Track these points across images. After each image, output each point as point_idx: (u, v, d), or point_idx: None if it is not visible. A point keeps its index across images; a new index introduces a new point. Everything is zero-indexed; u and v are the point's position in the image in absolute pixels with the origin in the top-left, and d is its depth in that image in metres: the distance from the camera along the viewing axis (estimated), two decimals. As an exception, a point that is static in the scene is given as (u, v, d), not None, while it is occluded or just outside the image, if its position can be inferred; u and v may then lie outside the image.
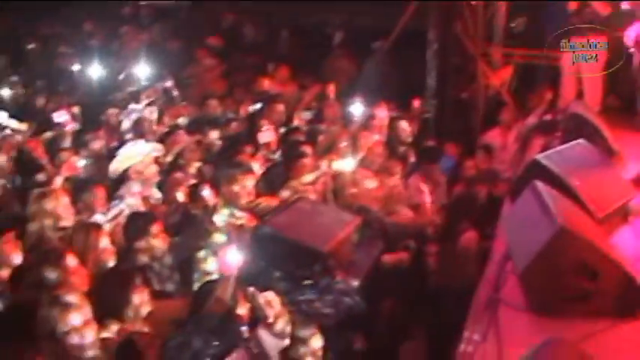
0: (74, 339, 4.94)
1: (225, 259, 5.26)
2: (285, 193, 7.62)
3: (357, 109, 10.70)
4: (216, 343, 4.55)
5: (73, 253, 5.88)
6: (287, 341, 4.95)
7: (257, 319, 4.90)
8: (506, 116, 11.70)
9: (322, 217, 6.59)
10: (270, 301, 4.95)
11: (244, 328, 4.88)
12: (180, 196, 7.29)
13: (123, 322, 5.40)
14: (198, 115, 11.01)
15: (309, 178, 7.84)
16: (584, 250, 5.33)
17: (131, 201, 7.61)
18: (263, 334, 4.81)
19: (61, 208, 6.69)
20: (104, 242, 6.19)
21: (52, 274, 5.37)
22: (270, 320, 4.88)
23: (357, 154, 8.80)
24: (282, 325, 4.96)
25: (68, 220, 6.69)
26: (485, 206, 8.93)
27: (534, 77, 13.12)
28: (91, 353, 4.99)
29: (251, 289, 4.97)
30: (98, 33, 16.98)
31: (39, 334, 4.88)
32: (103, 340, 5.18)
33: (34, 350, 4.57)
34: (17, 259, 5.90)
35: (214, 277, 6.04)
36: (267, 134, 9.38)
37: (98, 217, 6.94)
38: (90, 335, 5.01)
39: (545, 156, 7.15)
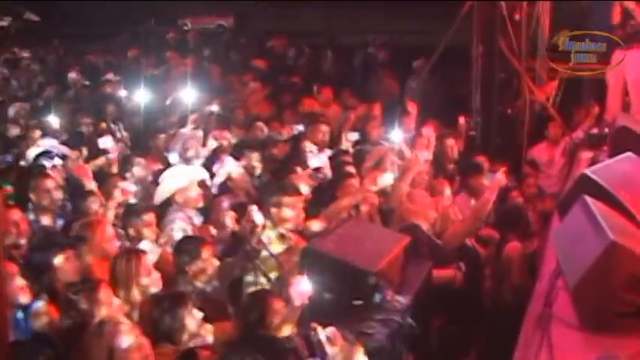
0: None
1: (297, 288, 5.30)
2: (329, 215, 7.60)
3: (403, 128, 10.71)
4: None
5: (114, 282, 6.00)
6: None
7: (316, 354, 4.89)
8: (552, 131, 11.64)
9: (371, 237, 6.62)
10: (332, 338, 4.92)
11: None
12: (229, 219, 7.31)
13: (178, 345, 5.43)
14: (245, 137, 11.05)
15: (346, 202, 7.82)
16: (637, 265, 5.29)
17: (180, 225, 7.67)
18: None
19: (105, 240, 6.73)
20: (147, 268, 6.20)
21: (84, 305, 5.44)
22: (331, 358, 4.86)
23: (404, 173, 8.77)
24: None
25: (112, 250, 6.73)
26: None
27: (580, 91, 13.05)
28: None
29: (314, 324, 4.97)
30: (143, 59, 17.19)
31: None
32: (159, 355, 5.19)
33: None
34: (75, 277, 5.98)
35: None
36: (318, 159, 9.39)
37: (145, 244, 6.99)
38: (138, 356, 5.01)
39: (593, 170, 7.12)
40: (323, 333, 4.89)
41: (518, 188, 9.75)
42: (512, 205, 9.06)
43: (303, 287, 5.42)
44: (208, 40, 18.96)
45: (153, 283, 6.13)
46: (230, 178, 8.70)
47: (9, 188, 6.98)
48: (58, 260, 5.95)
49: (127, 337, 4.97)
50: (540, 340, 5.49)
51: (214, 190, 8.81)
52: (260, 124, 11.48)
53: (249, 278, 6.51)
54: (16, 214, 6.93)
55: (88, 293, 5.48)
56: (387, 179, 8.09)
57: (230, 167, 8.77)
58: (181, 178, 8.04)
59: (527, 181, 10.27)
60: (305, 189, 7.77)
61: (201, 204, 8.12)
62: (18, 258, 6.24)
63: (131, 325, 5.21)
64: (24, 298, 5.61)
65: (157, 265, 6.46)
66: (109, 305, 5.49)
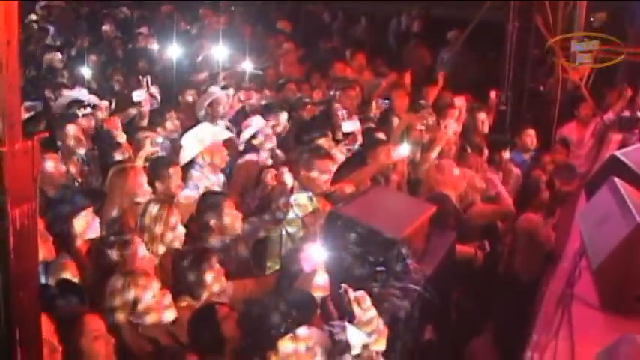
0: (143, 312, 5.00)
1: (308, 254, 5.33)
2: (357, 180, 7.61)
3: (433, 98, 10.70)
4: (295, 314, 4.57)
5: (142, 230, 6.05)
6: (373, 337, 4.93)
7: (345, 315, 4.92)
8: (583, 111, 11.59)
9: (397, 205, 6.63)
10: (360, 299, 4.95)
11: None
12: (269, 176, 7.33)
13: (197, 300, 5.48)
14: (275, 98, 11.06)
15: (374, 168, 7.81)
16: (663, 248, 5.28)
17: (203, 180, 7.72)
18: (350, 326, 4.83)
19: (137, 186, 6.77)
20: (175, 220, 6.24)
21: (116, 258, 5.50)
22: (358, 320, 4.88)
23: (432, 144, 8.77)
24: (371, 324, 4.96)
25: (144, 198, 6.77)
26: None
27: (614, 73, 12.96)
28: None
29: (344, 286, 4.98)
30: (176, 15, 17.17)
31: (107, 307, 4.98)
32: (179, 309, 5.24)
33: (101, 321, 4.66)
34: (95, 233, 6.00)
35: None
36: (350, 124, 9.36)
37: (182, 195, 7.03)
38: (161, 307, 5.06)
39: (623, 152, 7.09)
40: (353, 294, 4.92)
41: (541, 166, 9.72)
42: (531, 181, 9.05)
43: (313, 254, 5.44)
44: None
45: (177, 237, 6.17)
46: (256, 137, 8.69)
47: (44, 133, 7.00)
48: (78, 218, 5.95)
49: (150, 290, 5.02)
50: (560, 318, 5.50)
51: (240, 148, 8.82)
52: (291, 85, 11.49)
53: (274, 240, 6.54)
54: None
55: (121, 246, 5.54)
56: (402, 152, 8.09)
57: (257, 127, 8.75)
58: (205, 138, 8.04)
59: (550, 159, 10.23)
60: (335, 153, 7.78)
61: (224, 165, 8.16)
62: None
63: (155, 278, 5.26)
64: (45, 253, 5.64)
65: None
66: (141, 260, 5.54)
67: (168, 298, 5.11)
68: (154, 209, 6.17)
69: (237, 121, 9.56)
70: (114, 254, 5.49)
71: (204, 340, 4.87)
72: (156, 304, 5.01)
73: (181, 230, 6.22)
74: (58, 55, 13.33)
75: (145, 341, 4.93)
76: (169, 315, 5.06)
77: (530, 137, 10.36)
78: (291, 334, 4.48)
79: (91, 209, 6.05)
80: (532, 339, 5.72)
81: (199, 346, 4.86)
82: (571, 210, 8.16)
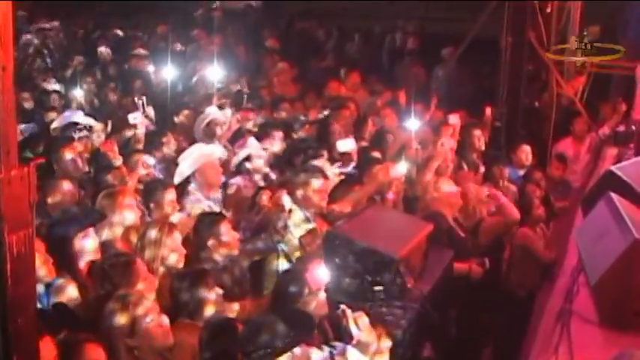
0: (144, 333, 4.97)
1: (314, 274, 5.32)
2: (354, 200, 7.61)
3: (428, 116, 10.71)
4: (292, 334, 4.56)
5: (142, 252, 6.04)
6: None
7: (344, 335, 4.91)
8: (578, 126, 11.59)
9: (395, 224, 6.63)
10: (359, 319, 4.95)
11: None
12: (265, 197, 7.33)
13: (196, 322, 5.46)
14: (269, 118, 11.07)
15: (371, 188, 7.82)
16: (660, 264, 5.27)
17: (198, 202, 7.72)
18: (349, 348, 4.82)
19: (126, 208, 6.75)
20: (175, 241, 6.23)
21: (118, 279, 5.46)
22: (356, 341, 4.88)
23: (429, 161, 8.77)
24: (370, 345, 4.95)
25: (133, 220, 6.76)
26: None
27: (608, 87, 12.99)
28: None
29: (343, 306, 4.98)
30: (171, 36, 17.20)
31: (104, 330, 4.95)
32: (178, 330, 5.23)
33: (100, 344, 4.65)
34: (94, 255, 5.99)
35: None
36: (346, 143, 9.36)
37: (174, 217, 7.01)
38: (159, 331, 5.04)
39: (619, 167, 7.08)
40: (351, 315, 4.92)
41: (535, 182, 9.71)
42: (526, 197, 9.05)
43: (319, 274, 5.44)
44: (235, 19, 18.91)
45: (179, 259, 6.16)
46: (249, 159, 8.67)
47: (40, 158, 7.00)
48: (78, 238, 5.94)
49: (150, 313, 5.01)
50: (560, 334, 5.48)
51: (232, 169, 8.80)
52: (285, 104, 11.51)
53: (272, 260, 6.53)
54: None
55: (123, 267, 5.52)
56: (399, 170, 8.09)
57: (251, 148, 8.74)
58: (201, 157, 8.03)
59: (544, 174, 10.23)
60: (331, 173, 7.78)
61: (220, 182, 8.16)
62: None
63: (154, 301, 5.25)
64: (45, 274, 5.62)
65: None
66: (143, 280, 5.53)
67: (166, 321, 5.10)
68: (153, 231, 6.16)
69: (235, 141, 9.54)
70: (115, 275, 5.47)
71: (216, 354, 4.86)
72: (154, 328, 4.99)
73: (182, 251, 6.21)
74: (52, 78, 13.32)
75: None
76: (167, 339, 5.04)
77: (526, 153, 10.37)
78: (289, 354, 4.47)
79: (91, 229, 6.04)
80: (531, 356, 5.72)
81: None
82: (567, 225, 8.17)
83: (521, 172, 10.29)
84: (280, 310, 5.20)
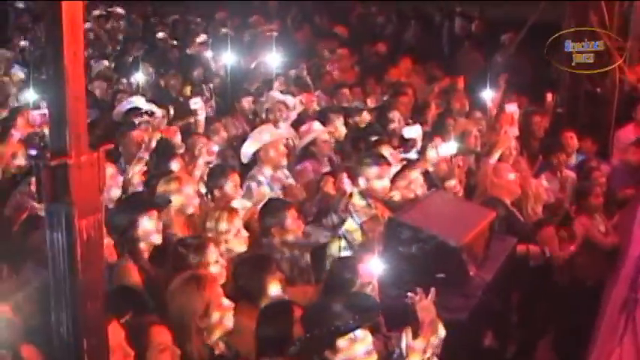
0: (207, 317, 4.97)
1: (365, 266, 5.30)
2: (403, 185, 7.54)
3: (488, 102, 10.60)
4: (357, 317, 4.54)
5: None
6: (429, 353, 4.89)
7: (408, 320, 4.89)
8: (641, 112, 11.39)
9: (457, 210, 6.59)
10: (427, 307, 4.91)
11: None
12: (329, 185, 7.32)
13: (256, 307, 5.46)
14: (330, 104, 11.06)
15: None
16: None
17: (263, 180, 7.75)
18: (409, 336, 4.80)
19: (186, 196, 6.78)
20: (237, 226, 6.25)
21: (193, 260, 5.50)
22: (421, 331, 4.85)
23: (492, 148, 8.69)
24: (431, 339, 4.92)
25: (192, 207, 6.79)
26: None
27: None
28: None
29: (410, 293, 4.95)
30: (230, 21, 17.26)
31: (175, 311, 4.96)
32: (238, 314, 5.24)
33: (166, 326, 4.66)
34: (157, 238, 6.01)
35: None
36: (412, 129, 9.29)
37: (236, 203, 7.02)
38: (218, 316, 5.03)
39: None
40: (422, 302, 4.89)
41: (595, 169, 9.56)
42: (585, 184, 8.93)
43: (371, 266, 5.41)
44: (294, 5, 18.91)
45: (241, 242, 6.18)
46: (314, 142, 8.68)
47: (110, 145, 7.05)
48: (141, 221, 5.97)
49: (216, 295, 5.01)
50: (625, 324, 5.41)
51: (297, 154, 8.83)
52: (345, 90, 11.48)
53: (334, 246, 6.51)
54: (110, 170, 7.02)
55: (198, 249, 5.56)
56: (449, 149, 8.04)
57: (316, 132, 8.73)
58: (267, 135, 8.08)
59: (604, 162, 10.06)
60: (393, 160, 7.72)
61: (285, 162, 8.16)
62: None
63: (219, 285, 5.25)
64: (107, 255, 5.64)
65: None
66: (215, 263, 5.56)
67: (229, 305, 5.10)
68: (215, 217, 6.19)
69: (297, 126, 9.54)
70: (190, 257, 5.50)
71: (273, 336, 4.85)
72: (222, 310, 4.99)
73: (244, 237, 6.23)
74: (107, 63, 13.45)
75: (207, 350, 4.92)
76: (229, 323, 5.04)
77: (572, 138, 10.10)
78: (351, 336, 4.45)
79: (155, 213, 6.05)
80: (595, 346, 5.65)
81: (267, 344, 4.84)
82: (631, 214, 8.06)
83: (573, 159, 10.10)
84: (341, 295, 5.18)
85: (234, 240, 6.18)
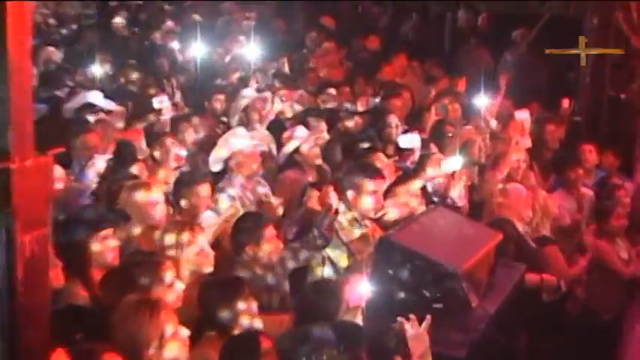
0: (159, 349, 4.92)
1: (354, 289, 5.28)
2: (401, 199, 7.54)
3: (494, 108, 10.60)
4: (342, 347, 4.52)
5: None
6: None
7: (397, 350, 4.88)
8: (671, 121, 11.44)
9: (458, 231, 6.56)
10: (420, 336, 4.90)
11: None
12: (313, 200, 7.29)
13: (226, 336, 5.42)
14: (312, 104, 11.02)
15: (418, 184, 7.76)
16: None
17: (233, 193, 7.70)
18: None
19: (151, 205, 6.72)
20: (201, 245, 6.19)
21: (145, 281, 5.41)
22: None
23: (499, 161, 8.69)
24: None
25: (159, 218, 6.74)
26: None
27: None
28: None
29: (401, 319, 4.96)
30: (199, 8, 17.18)
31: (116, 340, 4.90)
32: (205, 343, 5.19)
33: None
34: (114, 259, 5.95)
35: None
36: (409, 138, 9.27)
37: (206, 216, 6.98)
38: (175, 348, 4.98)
39: None
40: (411, 330, 4.88)
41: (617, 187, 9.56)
42: (605, 204, 8.94)
43: (360, 289, 5.40)
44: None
45: (205, 262, 6.13)
46: (299, 150, 8.64)
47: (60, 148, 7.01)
48: (94, 241, 5.90)
49: (171, 324, 4.96)
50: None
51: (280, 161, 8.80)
52: (331, 90, 11.44)
53: (316, 269, 6.49)
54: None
55: (150, 269, 5.47)
56: (452, 164, 8.03)
57: (301, 138, 8.69)
58: (240, 139, 8.03)
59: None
60: (388, 172, 7.70)
61: (260, 172, 8.14)
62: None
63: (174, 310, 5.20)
64: (53, 280, 5.57)
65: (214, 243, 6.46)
66: (170, 286, 5.48)
67: (185, 335, 5.04)
68: (174, 232, 6.13)
69: (277, 128, 9.49)
70: (141, 278, 5.43)
71: None
72: (174, 341, 4.94)
73: (208, 257, 6.17)
74: (60, 53, 13.35)
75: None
76: (183, 355, 4.99)
77: (591, 152, 10.10)
78: None
79: (111, 231, 5.99)
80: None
81: None
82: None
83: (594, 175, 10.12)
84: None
85: (197, 259, 6.11)
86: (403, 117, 10.66)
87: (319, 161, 8.74)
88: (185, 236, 6.10)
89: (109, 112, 9.36)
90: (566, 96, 11.48)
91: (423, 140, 9.36)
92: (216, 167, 8.03)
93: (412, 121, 10.63)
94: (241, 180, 7.88)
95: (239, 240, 6.43)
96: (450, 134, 9.77)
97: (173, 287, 5.51)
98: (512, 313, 6.64)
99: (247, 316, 5.46)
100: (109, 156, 7.83)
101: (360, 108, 11.17)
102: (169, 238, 6.12)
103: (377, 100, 11.38)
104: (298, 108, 10.76)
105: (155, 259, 5.63)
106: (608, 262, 8.33)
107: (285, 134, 8.95)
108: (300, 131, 8.86)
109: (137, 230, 6.61)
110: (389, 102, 10.82)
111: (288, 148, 8.69)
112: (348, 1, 18.28)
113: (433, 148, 9.06)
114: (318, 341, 4.52)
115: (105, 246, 5.87)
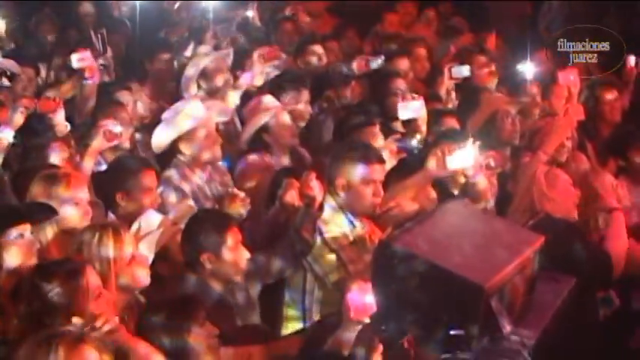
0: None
1: (356, 298, 5.35)
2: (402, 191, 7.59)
3: (530, 68, 10.68)
4: None
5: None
6: None
7: None
8: None
9: (483, 234, 6.60)
10: None
11: None
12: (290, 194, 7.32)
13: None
14: (291, 66, 11.05)
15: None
16: None
17: (185, 185, 7.78)
18: None
19: (73, 200, 6.72)
20: (128, 252, 6.16)
21: (59, 297, 5.44)
22: None
23: (535, 137, 8.77)
24: None
25: (81, 218, 6.75)
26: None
27: None
28: None
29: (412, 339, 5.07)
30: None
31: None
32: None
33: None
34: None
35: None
36: (410, 106, 9.27)
37: (150, 217, 7.01)
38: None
39: None
40: None
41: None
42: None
43: (365, 300, 5.47)
44: None
45: (136, 280, 6.13)
46: (267, 127, 8.66)
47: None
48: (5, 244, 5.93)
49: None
50: None
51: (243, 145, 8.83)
52: (316, 48, 11.46)
53: (294, 283, 6.56)
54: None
55: (66, 278, 5.48)
56: (462, 160, 8.03)
57: (270, 112, 8.71)
58: (189, 118, 8.04)
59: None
60: (388, 155, 7.77)
61: (219, 157, 8.20)
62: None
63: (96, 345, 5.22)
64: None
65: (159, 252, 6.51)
66: (95, 300, 5.48)
67: None
68: (96, 236, 6.08)
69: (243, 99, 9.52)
70: (54, 290, 5.44)
71: None
72: None
73: (144, 262, 6.17)
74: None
75: None
76: None
77: None
78: None
79: (28, 229, 6.00)
80: None
81: None
82: None
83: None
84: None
85: (127, 271, 6.08)
86: (415, 82, 10.72)
87: (295, 141, 8.79)
88: (108, 242, 6.04)
89: (12, 77, 9.38)
90: (629, 52, 11.54)
91: (435, 112, 9.42)
92: (160, 149, 8.08)
93: (428, 87, 10.69)
94: (195, 168, 7.94)
95: (192, 247, 6.49)
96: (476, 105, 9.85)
97: (98, 301, 5.50)
98: (560, 341, 6.72)
99: (201, 347, 5.53)
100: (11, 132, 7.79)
101: (357, 71, 11.19)
102: (87, 246, 6.01)
103: (379, 60, 11.41)
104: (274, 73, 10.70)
105: (74, 267, 5.56)
106: None
107: (249, 105, 8.96)
108: (268, 101, 8.83)
109: (49, 233, 6.60)
110: (393, 62, 10.86)
111: (254, 124, 8.74)
112: None
113: (448, 122, 9.09)
114: None
115: (14, 251, 5.90)
